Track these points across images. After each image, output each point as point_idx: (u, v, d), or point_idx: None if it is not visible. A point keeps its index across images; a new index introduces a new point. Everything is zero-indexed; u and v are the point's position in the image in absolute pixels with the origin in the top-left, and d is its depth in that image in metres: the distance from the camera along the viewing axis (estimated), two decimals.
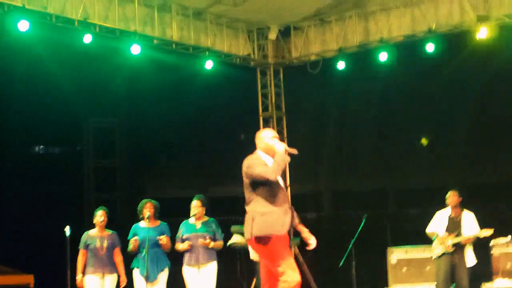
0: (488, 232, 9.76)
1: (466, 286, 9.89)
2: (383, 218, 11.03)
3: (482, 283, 10.31)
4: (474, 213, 10.16)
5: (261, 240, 6.62)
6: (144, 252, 9.77)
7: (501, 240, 10.27)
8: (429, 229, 10.38)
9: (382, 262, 11.03)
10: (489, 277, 10.39)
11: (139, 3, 12.05)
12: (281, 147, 6.75)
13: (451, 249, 9.97)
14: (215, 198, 10.90)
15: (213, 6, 12.92)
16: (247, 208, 6.73)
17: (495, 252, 10.30)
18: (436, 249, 10.12)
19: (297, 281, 6.50)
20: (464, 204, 10.19)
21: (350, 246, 11.05)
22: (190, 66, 13.23)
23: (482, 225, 10.03)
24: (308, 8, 13.52)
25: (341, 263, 11.19)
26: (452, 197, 10.17)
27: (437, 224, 10.25)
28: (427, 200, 10.68)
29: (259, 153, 6.86)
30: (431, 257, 10.25)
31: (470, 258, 9.96)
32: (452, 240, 9.96)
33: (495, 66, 12.31)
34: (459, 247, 9.95)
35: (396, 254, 11.37)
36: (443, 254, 10.03)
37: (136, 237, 9.86)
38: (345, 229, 11.72)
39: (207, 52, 13.15)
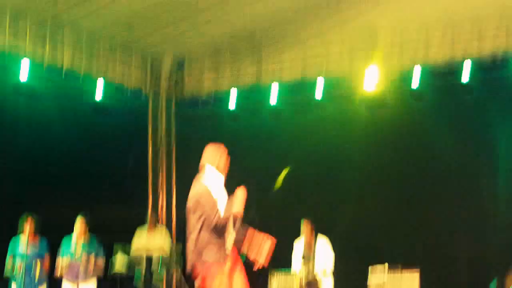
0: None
1: None
2: None
3: None
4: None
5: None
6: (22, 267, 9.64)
7: (379, 266, 10.58)
8: (293, 268, 10.71)
9: None
10: None
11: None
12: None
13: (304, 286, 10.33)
14: (98, 219, 10.83)
15: (107, 35, 12.89)
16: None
17: (372, 280, 10.59)
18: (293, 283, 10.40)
19: None
20: None
21: None
22: (81, 93, 13.14)
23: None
24: (203, 44, 13.76)
25: None
26: (305, 226, 10.60)
27: (295, 255, 10.59)
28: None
29: (208, 169, 6.74)
30: None
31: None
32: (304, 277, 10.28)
33: (381, 117, 12.81)
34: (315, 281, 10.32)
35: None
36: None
37: (20, 264, 9.72)
38: None
39: (98, 80, 13.10)
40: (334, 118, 13.17)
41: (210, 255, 6.56)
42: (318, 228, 10.89)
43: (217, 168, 6.73)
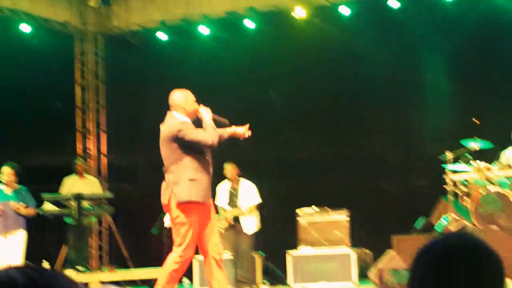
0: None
1: (245, 251, 10.49)
2: None
3: (288, 251, 10.73)
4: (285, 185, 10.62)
5: (185, 206, 6.52)
6: None
7: (307, 209, 10.73)
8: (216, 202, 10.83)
9: None
10: (295, 246, 10.82)
11: None
12: (208, 115, 6.67)
13: (232, 222, 10.48)
14: (24, 167, 10.65)
15: None
16: (169, 173, 6.58)
17: (301, 221, 10.75)
18: (221, 223, 10.55)
19: (190, 258, 6.54)
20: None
21: (161, 214, 11.19)
22: (5, 30, 12.76)
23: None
24: None
25: (153, 230, 11.30)
26: (229, 169, 10.66)
27: (220, 198, 10.70)
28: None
29: (176, 115, 6.67)
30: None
31: (248, 226, 10.46)
32: (231, 213, 10.45)
33: (312, 45, 12.73)
34: (237, 218, 10.49)
35: None
36: (228, 227, 10.53)
37: None
38: (159, 199, 11.79)
39: (23, 16, 12.77)
40: (266, 50, 13.03)
41: (192, 193, 6.51)
42: (243, 171, 10.90)
43: (186, 113, 6.65)
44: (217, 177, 10.69)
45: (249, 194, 10.58)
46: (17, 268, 1.47)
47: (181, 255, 6.60)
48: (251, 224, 10.51)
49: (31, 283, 1.43)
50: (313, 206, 10.77)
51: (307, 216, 10.73)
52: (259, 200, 10.53)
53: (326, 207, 10.78)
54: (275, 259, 11.26)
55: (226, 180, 10.80)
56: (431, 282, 1.99)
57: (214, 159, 7.14)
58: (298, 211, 10.73)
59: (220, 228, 10.56)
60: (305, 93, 12.64)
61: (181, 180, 6.57)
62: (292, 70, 12.72)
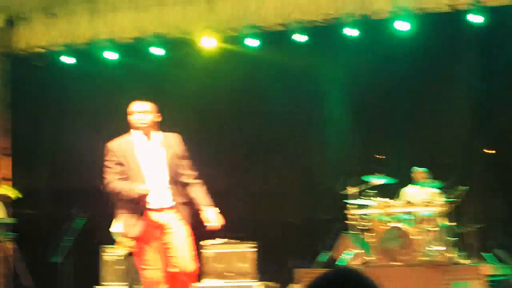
0: None
1: None
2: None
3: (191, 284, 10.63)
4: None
5: None
6: None
7: (211, 241, 10.68)
8: (113, 229, 10.66)
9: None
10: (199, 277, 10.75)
11: None
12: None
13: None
14: None
15: None
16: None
17: (205, 253, 10.68)
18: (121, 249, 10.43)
19: None
20: None
21: (64, 242, 11.06)
22: None
23: None
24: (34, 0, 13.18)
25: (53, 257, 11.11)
26: None
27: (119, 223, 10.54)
28: None
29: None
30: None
31: None
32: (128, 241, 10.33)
33: (216, 75, 12.80)
34: None
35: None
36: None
37: None
38: (62, 226, 11.62)
39: None
40: (174, 76, 13.02)
41: None
42: None
43: (131, 127, 6.67)
44: None
45: None
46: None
47: None
48: None
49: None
50: (217, 238, 10.73)
51: (212, 247, 10.68)
52: None
53: (231, 239, 10.77)
54: None
55: None
56: None
57: None
58: (202, 242, 10.67)
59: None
60: (213, 124, 12.67)
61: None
62: (199, 99, 12.72)
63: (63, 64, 13.35)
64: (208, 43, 12.57)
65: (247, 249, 10.57)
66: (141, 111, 6.57)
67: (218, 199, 12.43)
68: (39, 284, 12.17)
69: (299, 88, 12.38)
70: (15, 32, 13.77)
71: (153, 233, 6.44)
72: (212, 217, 6.57)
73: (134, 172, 6.44)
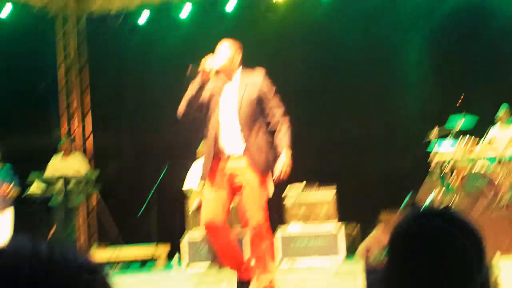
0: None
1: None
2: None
3: (279, 225, 10.69)
4: None
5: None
6: None
7: (295, 185, 10.71)
8: (184, 187, 10.72)
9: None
10: (283, 222, 10.80)
11: None
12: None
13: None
14: (10, 148, 10.54)
15: None
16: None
17: (289, 197, 10.74)
18: (193, 202, 10.47)
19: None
20: None
21: (150, 195, 11.21)
22: None
23: None
24: None
25: (140, 212, 11.27)
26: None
27: (192, 177, 10.57)
28: None
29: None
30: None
31: None
32: None
33: (291, 28, 12.76)
34: None
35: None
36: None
37: None
38: (146, 179, 11.79)
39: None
40: (246, 34, 12.98)
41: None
42: None
43: None
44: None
45: None
46: (26, 239, 1.36)
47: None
48: None
49: (36, 255, 1.32)
50: (304, 182, 10.76)
51: (295, 192, 10.74)
52: None
53: (314, 183, 10.79)
54: None
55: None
56: (407, 258, 1.89)
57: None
58: (287, 187, 10.71)
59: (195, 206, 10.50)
60: (288, 74, 12.63)
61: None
62: (273, 54, 12.71)
63: (138, 24, 13.50)
64: None
65: (329, 192, 10.62)
66: (220, 51, 6.16)
67: (302, 146, 12.59)
68: (125, 235, 12.42)
69: (377, 34, 12.25)
70: None
71: (219, 180, 6.04)
72: (278, 165, 5.98)
73: (211, 116, 6.08)
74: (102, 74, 13.74)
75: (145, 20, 13.56)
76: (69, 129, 13.88)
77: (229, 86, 6.11)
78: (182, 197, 11.11)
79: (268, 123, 6.13)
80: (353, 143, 11.92)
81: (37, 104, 13.05)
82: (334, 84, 12.43)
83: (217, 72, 6.01)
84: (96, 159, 13.71)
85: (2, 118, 12.09)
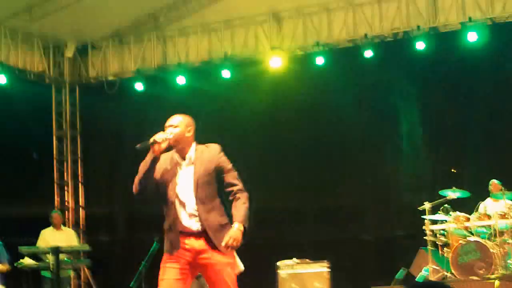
0: None
1: None
2: None
3: None
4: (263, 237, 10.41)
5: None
6: None
7: (287, 261, 10.58)
8: None
9: None
10: None
11: None
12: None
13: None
14: (3, 219, 10.46)
15: (8, 20, 12.51)
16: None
17: (281, 273, 10.59)
18: None
19: None
20: None
21: (141, 268, 11.00)
22: None
23: None
24: (106, 28, 13.50)
25: (131, 284, 11.09)
26: None
27: None
28: None
29: None
30: None
31: None
32: None
33: (287, 95, 12.75)
34: None
35: None
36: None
37: None
38: (138, 251, 11.63)
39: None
40: (241, 99, 13.02)
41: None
42: None
43: None
44: None
45: None
46: None
47: None
48: None
49: None
50: (294, 258, 10.61)
51: (287, 268, 10.57)
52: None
53: (306, 259, 10.64)
54: None
55: None
56: None
57: None
58: (278, 263, 10.57)
59: None
60: (283, 142, 12.60)
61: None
62: (269, 119, 12.69)
63: (135, 90, 13.51)
64: (276, 63, 12.61)
65: (322, 268, 10.42)
66: (169, 125, 5.80)
67: (293, 218, 12.55)
68: None
69: (371, 104, 12.27)
70: (88, 61, 14.03)
71: (179, 257, 5.66)
72: (226, 237, 5.54)
73: (167, 195, 5.72)
74: (95, 143, 13.71)
75: (142, 87, 13.54)
76: (62, 201, 13.80)
77: (183, 164, 5.78)
78: None
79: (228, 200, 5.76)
80: (344, 215, 11.81)
81: (30, 175, 12.99)
82: (326, 151, 12.37)
83: (171, 145, 5.69)
84: (88, 232, 13.61)
85: None
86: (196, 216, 5.65)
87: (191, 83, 13.33)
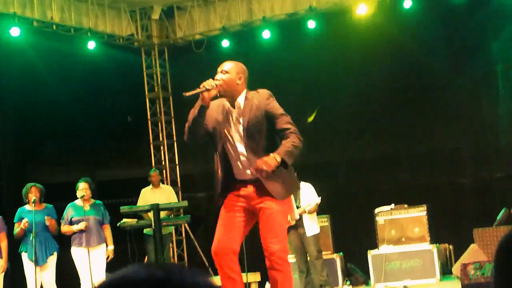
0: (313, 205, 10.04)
1: (314, 254, 10.12)
2: None
3: (368, 251, 10.61)
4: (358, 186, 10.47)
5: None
6: (31, 236, 9.61)
7: (385, 208, 10.60)
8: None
9: None
10: (374, 245, 10.70)
11: None
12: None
13: (292, 223, 10.26)
14: (102, 182, 10.74)
15: None
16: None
17: (379, 220, 10.61)
18: None
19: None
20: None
21: None
22: (72, 48, 12.93)
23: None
24: None
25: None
26: None
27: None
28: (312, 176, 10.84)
29: None
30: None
31: (310, 228, 10.21)
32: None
33: (374, 42, 12.60)
34: (299, 219, 10.19)
35: None
36: (289, 228, 10.33)
37: (25, 219, 9.69)
38: None
39: (88, 33, 12.92)
40: (328, 51, 12.94)
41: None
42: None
43: None
44: None
45: (309, 194, 10.41)
46: (155, 265, 1.45)
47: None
48: (314, 225, 10.31)
49: (170, 279, 1.40)
50: (391, 204, 10.61)
51: (385, 214, 10.58)
52: (319, 199, 10.24)
53: (403, 204, 10.61)
54: (355, 259, 11.15)
55: None
56: None
57: None
58: (376, 210, 10.60)
59: None
60: (372, 91, 12.50)
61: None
62: (357, 68, 12.59)
63: (221, 48, 13.60)
64: (362, 11, 12.45)
65: (420, 213, 10.40)
66: (219, 71, 5.76)
67: (388, 166, 12.48)
68: (213, 266, 12.45)
69: (461, 45, 11.97)
70: (173, 21, 14.18)
71: (233, 205, 5.68)
72: (259, 161, 5.43)
73: (218, 144, 5.71)
74: (186, 102, 13.86)
75: (227, 44, 13.64)
76: (158, 160, 14.11)
77: (233, 112, 5.72)
78: None
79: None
80: (440, 159, 11.66)
81: (126, 137, 13.31)
82: (420, 95, 12.20)
83: (220, 92, 5.63)
84: (184, 187, 13.87)
85: (95, 153, 12.38)
86: (247, 163, 5.61)
87: (277, 37, 13.33)
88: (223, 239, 5.70)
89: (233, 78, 5.72)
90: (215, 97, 5.69)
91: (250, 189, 5.64)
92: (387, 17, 12.55)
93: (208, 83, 5.59)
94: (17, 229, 9.85)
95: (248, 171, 5.63)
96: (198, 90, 5.58)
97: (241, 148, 5.65)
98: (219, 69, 5.76)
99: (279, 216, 5.64)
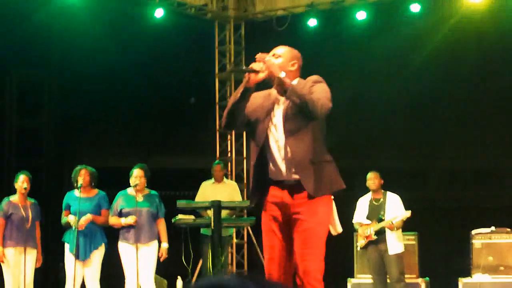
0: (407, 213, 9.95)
1: (395, 276, 10.06)
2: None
3: (459, 278, 10.46)
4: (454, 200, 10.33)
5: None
6: (74, 227, 9.66)
7: (484, 230, 10.42)
8: (354, 220, 10.59)
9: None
10: (467, 272, 10.54)
11: None
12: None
13: (374, 238, 10.16)
14: (157, 169, 10.76)
15: None
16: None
17: (476, 243, 10.44)
18: (360, 240, 10.31)
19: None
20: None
21: None
22: (137, 15, 13.05)
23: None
24: None
25: None
26: (372, 179, 10.37)
27: (360, 212, 10.45)
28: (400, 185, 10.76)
29: None
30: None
31: (393, 245, 10.10)
32: (373, 227, 10.15)
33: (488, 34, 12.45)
34: (382, 234, 10.11)
35: None
36: (368, 244, 10.25)
37: (71, 216, 9.73)
38: None
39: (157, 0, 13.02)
40: (428, 36, 12.84)
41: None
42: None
43: None
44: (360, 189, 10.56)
45: (396, 206, 10.31)
46: (249, 277, 1.53)
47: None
48: (398, 243, 10.21)
49: None
50: (491, 227, 10.45)
51: (483, 237, 10.41)
52: (407, 213, 10.14)
53: (506, 228, 10.44)
54: (442, 286, 11.03)
55: (369, 192, 10.57)
56: None
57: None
58: (473, 231, 10.43)
59: (360, 245, 10.42)
60: (475, 92, 12.35)
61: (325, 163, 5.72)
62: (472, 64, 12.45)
63: (307, 27, 13.55)
64: None
65: None
66: (271, 54, 5.72)
67: (489, 180, 12.23)
68: None
69: None
70: None
71: (272, 214, 5.63)
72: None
73: (257, 136, 5.65)
74: (261, 85, 13.86)
75: (315, 23, 13.58)
76: (224, 151, 14.06)
77: (281, 100, 5.65)
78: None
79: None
80: None
81: (189, 120, 13.32)
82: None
83: (269, 77, 5.55)
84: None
85: (151, 136, 12.42)
86: (288, 158, 5.54)
87: (372, 19, 13.22)
88: (273, 261, 5.69)
89: (286, 64, 5.69)
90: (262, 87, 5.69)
91: (285, 194, 5.58)
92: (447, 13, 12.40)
93: (258, 65, 5.57)
94: (64, 218, 9.94)
95: (284, 171, 5.55)
96: (245, 69, 5.64)
97: (282, 138, 5.59)
98: (271, 53, 5.74)
99: (318, 228, 5.56)
